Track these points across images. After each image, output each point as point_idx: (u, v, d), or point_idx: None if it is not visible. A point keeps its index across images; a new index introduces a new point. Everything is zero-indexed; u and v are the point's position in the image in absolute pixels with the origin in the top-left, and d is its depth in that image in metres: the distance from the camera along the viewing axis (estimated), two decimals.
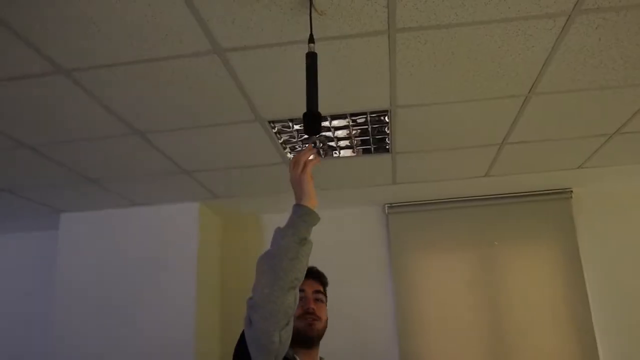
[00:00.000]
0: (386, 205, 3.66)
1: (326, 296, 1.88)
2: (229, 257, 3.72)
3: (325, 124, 2.43)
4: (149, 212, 3.42)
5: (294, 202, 1.46)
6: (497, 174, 3.18)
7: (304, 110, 1.45)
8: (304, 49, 1.49)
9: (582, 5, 1.63)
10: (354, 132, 2.54)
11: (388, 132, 2.53)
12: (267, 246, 1.42)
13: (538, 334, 3.32)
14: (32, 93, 2.01)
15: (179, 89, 2.04)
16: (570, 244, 3.45)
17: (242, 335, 1.50)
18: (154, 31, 1.67)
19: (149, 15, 1.60)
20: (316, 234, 1.45)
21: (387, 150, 2.75)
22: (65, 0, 1.52)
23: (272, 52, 1.82)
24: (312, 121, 1.44)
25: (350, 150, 2.76)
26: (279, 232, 1.42)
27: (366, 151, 2.76)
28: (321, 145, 2.66)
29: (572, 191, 3.53)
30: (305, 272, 1.41)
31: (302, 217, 1.41)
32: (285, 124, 2.42)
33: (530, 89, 2.16)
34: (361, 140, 2.63)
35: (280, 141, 2.59)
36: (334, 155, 2.79)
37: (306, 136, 2.50)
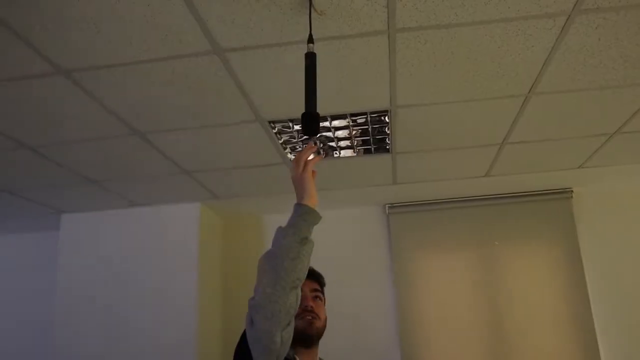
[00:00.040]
0: (387, 205, 3.66)
1: (324, 296, 1.88)
2: (230, 257, 3.72)
3: (326, 124, 2.43)
4: (149, 213, 3.42)
5: (295, 202, 1.45)
6: (498, 174, 3.18)
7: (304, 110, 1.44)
8: (304, 49, 1.49)
9: (582, 5, 1.63)
10: (354, 132, 2.54)
11: (388, 132, 2.53)
12: (268, 246, 1.42)
13: (539, 334, 3.32)
14: (32, 93, 2.01)
15: (179, 89, 2.04)
16: (570, 244, 3.45)
17: (243, 336, 1.50)
18: (154, 31, 1.67)
19: (149, 16, 1.60)
20: (317, 234, 1.45)
21: (388, 150, 2.75)
22: (65, 1, 1.52)
23: (272, 52, 1.82)
24: (311, 122, 1.43)
25: (351, 151, 2.76)
26: (280, 232, 1.41)
27: (366, 151, 2.76)
28: (321, 145, 2.66)
29: (572, 191, 3.52)
30: (306, 272, 1.40)
31: (303, 216, 1.41)
32: (286, 124, 2.41)
33: (530, 89, 2.16)
34: (361, 140, 2.63)
35: (280, 141, 2.59)
36: (334, 155, 2.79)
37: (306, 137, 2.50)
